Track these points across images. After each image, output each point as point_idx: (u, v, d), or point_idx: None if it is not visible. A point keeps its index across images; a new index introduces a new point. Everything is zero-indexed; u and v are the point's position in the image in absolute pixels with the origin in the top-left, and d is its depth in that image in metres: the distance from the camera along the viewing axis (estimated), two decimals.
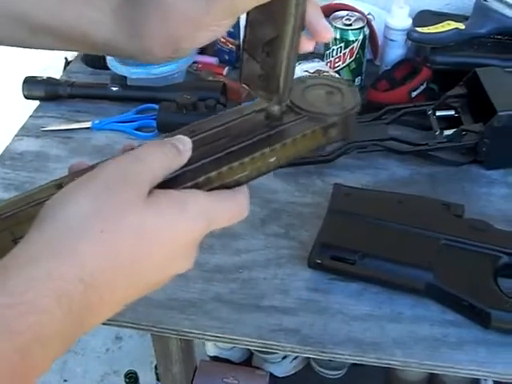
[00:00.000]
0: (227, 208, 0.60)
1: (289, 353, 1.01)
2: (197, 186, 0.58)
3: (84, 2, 0.69)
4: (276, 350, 1.02)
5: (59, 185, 0.60)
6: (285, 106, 0.65)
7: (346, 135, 0.68)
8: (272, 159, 0.63)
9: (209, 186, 0.58)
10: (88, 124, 1.45)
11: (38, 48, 0.77)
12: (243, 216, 0.61)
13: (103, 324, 1.04)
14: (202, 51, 1.69)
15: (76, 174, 0.59)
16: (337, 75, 1.45)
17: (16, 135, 1.43)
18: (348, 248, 1.07)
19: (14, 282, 0.48)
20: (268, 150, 0.62)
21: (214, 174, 0.59)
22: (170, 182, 0.57)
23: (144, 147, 0.57)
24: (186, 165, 0.59)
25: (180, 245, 0.56)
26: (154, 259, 0.55)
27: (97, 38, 0.69)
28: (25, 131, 1.44)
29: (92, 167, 0.60)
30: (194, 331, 1.03)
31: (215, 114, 0.67)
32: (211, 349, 2.12)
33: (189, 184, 0.57)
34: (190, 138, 0.59)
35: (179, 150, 0.58)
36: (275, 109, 0.65)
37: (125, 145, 0.63)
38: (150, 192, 0.54)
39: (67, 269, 0.49)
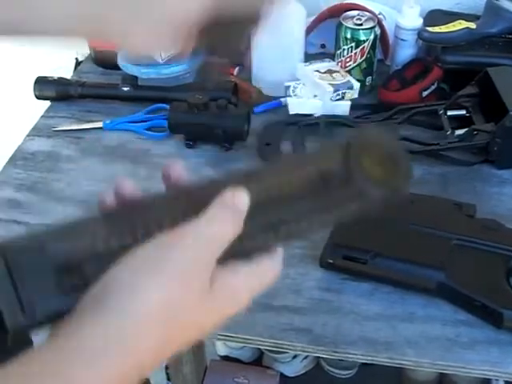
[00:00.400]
0: (268, 276, 0.59)
1: (300, 352, 1.01)
2: (244, 251, 0.58)
3: None
4: (288, 349, 1.02)
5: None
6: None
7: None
8: (315, 226, 0.62)
9: (252, 251, 0.58)
10: (99, 124, 1.45)
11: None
12: (277, 276, 0.60)
13: None
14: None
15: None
16: (348, 76, 1.45)
17: (27, 135, 1.43)
18: (360, 248, 1.07)
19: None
20: (317, 220, 0.61)
21: (261, 240, 0.59)
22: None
23: (211, 218, 0.55)
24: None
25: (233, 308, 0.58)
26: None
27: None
28: (36, 131, 1.44)
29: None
30: None
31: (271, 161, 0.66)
32: (221, 348, 2.12)
33: (237, 249, 0.56)
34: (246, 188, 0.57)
35: (241, 212, 0.56)
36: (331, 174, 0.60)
37: (164, 169, 0.63)
38: (213, 271, 0.54)
39: (129, 369, 0.50)
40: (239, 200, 0.55)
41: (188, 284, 0.52)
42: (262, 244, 0.60)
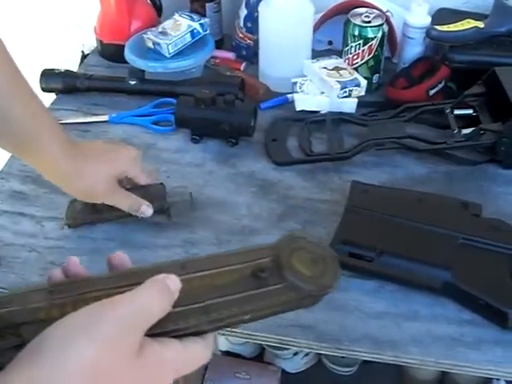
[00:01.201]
0: (197, 358, 0.62)
1: (305, 349, 1.01)
2: (176, 330, 0.62)
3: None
4: (292, 345, 1.02)
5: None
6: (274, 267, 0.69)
7: (317, 302, 0.72)
8: (247, 316, 0.67)
9: (185, 332, 0.62)
10: (105, 117, 1.45)
11: None
12: (206, 361, 0.64)
13: None
14: (220, 46, 1.69)
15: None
16: (355, 73, 1.45)
17: None
18: (365, 245, 1.07)
19: None
20: (248, 309, 0.67)
21: (193, 322, 0.63)
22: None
23: (142, 293, 0.58)
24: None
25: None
26: None
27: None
28: None
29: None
30: None
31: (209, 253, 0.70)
32: (223, 344, 2.12)
33: (170, 328, 0.61)
34: (180, 275, 0.63)
35: (171, 292, 0.60)
36: (263, 270, 0.68)
37: (108, 259, 0.67)
38: (141, 341, 0.56)
39: None
40: (170, 281, 0.60)
41: (117, 347, 0.54)
42: (195, 326, 0.63)
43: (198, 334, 0.63)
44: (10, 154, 1.32)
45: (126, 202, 1.11)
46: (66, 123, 1.44)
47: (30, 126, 0.96)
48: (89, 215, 1.17)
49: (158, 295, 0.58)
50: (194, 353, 0.61)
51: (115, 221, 1.18)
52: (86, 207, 1.16)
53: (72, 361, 0.51)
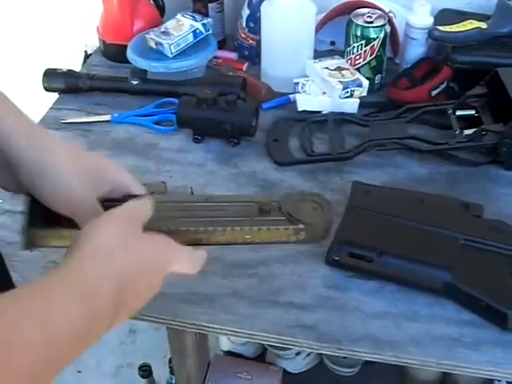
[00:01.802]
0: (187, 259, 0.81)
1: (306, 349, 1.01)
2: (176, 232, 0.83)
3: None
4: (293, 346, 1.02)
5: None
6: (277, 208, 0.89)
7: (316, 240, 0.91)
8: (247, 236, 0.87)
9: (189, 237, 0.85)
10: (107, 117, 1.45)
11: None
12: (194, 271, 0.81)
13: None
14: (222, 46, 1.69)
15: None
16: (358, 74, 1.45)
17: None
18: (366, 246, 1.07)
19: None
20: (247, 228, 0.86)
21: (192, 229, 0.85)
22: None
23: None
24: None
25: (158, 260, 0.77)
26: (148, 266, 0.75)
27: None
28: (45, 123, 1.44)
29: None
30: (212, 326, 1.03)
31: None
32: (225, 343, 2.12)
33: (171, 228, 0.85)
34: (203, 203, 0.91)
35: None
36: (268, 208, 0.89)
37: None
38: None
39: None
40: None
41: (132, 228, 0.75)
42: (200, 233, 0.85)
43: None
44: None
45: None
46: (69, 123, 1.44)
47: None
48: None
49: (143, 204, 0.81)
50: (186, 253, 0.80)
51: None
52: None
53: (104, 240, 0.71)
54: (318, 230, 0.90)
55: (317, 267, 1.10)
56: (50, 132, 0.86)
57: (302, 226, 0.88)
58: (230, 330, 1.03)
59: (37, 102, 1.50)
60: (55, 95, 1.54)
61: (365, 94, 1.43)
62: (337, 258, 1.08)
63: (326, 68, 1.46)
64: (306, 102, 1.43)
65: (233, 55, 1.67)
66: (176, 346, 1.67)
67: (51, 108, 1.49)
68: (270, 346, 2.00)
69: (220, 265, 1.10)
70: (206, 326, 1.04)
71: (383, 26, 1.46)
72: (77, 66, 1.65)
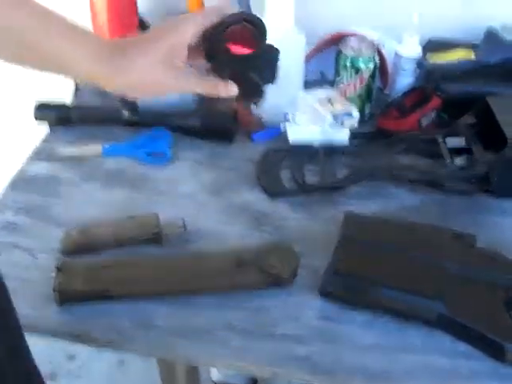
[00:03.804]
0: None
1: (299, 381, 1.01)
2: None
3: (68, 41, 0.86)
4: (286, 378, 1.02)
5: None
6: None
7: (283, 285, 1.11)
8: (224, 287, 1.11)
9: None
10: (99, 148, 1.45)
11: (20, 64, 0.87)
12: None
13: (111, 348, 1.04)
14: None
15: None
16: (348, 104, 1.45)
17: (28, 159, 1.43)
18: (359, 277, 1.07)
19: None
20: (225, 284, 1.11)
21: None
22: None
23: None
24: None
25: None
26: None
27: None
28: (37, 155, 1.44)
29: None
30: (205, 358, 1.03)
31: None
32: (216, 374, 2.11)
33: None
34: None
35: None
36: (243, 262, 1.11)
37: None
38: None
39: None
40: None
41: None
42: None
43: None
44: (6, 185, 1.32)
45: (194, 85, 0.95)
46: (61, 154, 1.43)
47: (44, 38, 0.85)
48: (84, 244, 1.18)
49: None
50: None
51: (110, 249, 1.18)
52: (82, 236, 1.18)
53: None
54: (286, 278, 1.10)
55: (310, 299, 1.10)
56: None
57: (271, 274, 1.09)
58: (224, 363, 1.03)
59: (29, 134, 1.50)
60: (47, 127, 1.53)
61: (355, 124, 1.44)
62: (330, 290, 1.08)
63: (316, 99, 1.46)
64: (296, 133, 1.43)
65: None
66: (167, 377, 1.66)
67: (43, 140, 1.48)
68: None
69: (213, 297, 1.09)
70: (200, 360, 1.04)
71: (372, 56, 1.47)
72: (68, 98, 1.65)
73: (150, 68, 0.89)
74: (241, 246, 1.15)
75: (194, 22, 0.91)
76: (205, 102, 1.57)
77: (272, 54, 0.97)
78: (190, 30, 0.90)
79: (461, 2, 1.62)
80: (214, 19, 0.91)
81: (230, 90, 0.96)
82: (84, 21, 1.64)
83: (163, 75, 0.91)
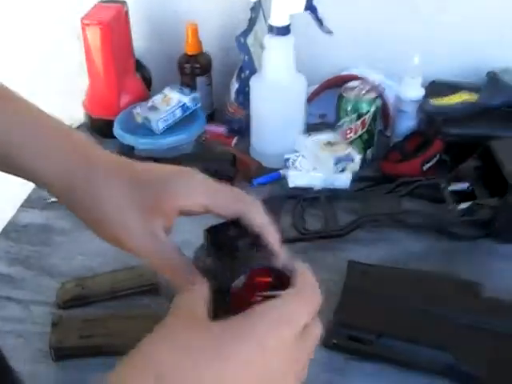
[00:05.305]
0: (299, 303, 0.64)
1: None
2: None
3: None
4: None
5: None
6: None
7: None
8: None
9: None
10: None
11: None
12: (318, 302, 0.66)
13: None
14: (210, 120, 1.67)
15: None
16: (349, 148, 1.43)
17: (20, 207, 1.41)
18: (365, 328, 1.05)
19: None
20: None
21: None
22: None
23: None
24: None
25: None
26: None
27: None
28: (29, 203, 1.42)
29: None
30: None
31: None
32: None
33: None
34: None
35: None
36: None
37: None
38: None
39: None
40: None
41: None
42: None
43: None
44: None
45: (166, 266, 0.75)
46: (53, 202, 1.39)
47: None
48: (79, 296, 1.16)
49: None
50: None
51: (106, 301, 1.16)
52: (77, 288, 1.16)
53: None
54: None
55: (315, 350, 1.07)
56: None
57: None
58: None
59: (20, 182, 1.47)
60: None
61: (357, 168, 1.42)
62: (335, 341, 1.05)
63: (317, 143, 1.44)
64: (297, 178, 1.41)
65: (222, 129, 1.64)
66: None
67: (35, 187, 1.45)
68: None
69: None
70: None
71: (374, 99, 1.45)
72: None
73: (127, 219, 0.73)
74: None
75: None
76: (204, 146, 1.56)
77: None
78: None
79: (462, 46, 1.62)
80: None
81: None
82: (78, 64, 1.63)
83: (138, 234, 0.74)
